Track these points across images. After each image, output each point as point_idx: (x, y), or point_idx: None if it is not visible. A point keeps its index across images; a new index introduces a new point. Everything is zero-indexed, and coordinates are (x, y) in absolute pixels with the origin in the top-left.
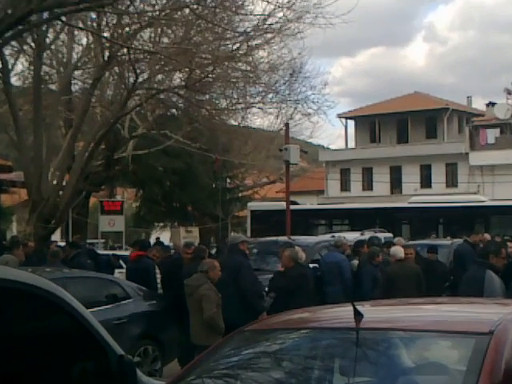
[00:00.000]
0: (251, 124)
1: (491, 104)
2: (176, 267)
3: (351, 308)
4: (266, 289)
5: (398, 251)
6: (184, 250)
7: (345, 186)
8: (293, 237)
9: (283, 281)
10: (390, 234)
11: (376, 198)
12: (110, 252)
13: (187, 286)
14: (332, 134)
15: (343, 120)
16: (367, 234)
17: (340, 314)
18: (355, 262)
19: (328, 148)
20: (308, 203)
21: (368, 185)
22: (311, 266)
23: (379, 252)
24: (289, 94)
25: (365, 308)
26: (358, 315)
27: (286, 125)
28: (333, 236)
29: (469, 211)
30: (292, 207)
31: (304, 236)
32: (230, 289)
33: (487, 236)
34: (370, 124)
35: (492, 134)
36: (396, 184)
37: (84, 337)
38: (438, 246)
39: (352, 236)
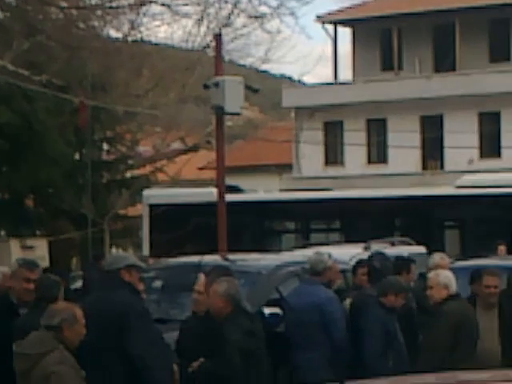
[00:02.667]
0: (149, 37)
1: None
2: (2, 317)
3: None
4: None
5: (452, 279)
6: (21, 274)
7: (333, 155)
8: (231, 256)
9: (208, 341)
10: (420, 248)
11: (395, 177)
12: None
13: (20, 357)
14: (308, 54)
15: (329, 27)
16: (378, 249)
17: None
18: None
19: (300, 82)
20: (262, 190)
21: (379, 153)
22: (267, 312)
23: (404, 286)
24: None
25: None
26: None
27: (217, 38)
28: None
29: None
30: (230, 197)
31: (254, 254)
32: (106, 359)
33: None
34: (382, 35)
35: None
36: (433, 151)
37: None
38: (508, 271)
39: (348, 252)
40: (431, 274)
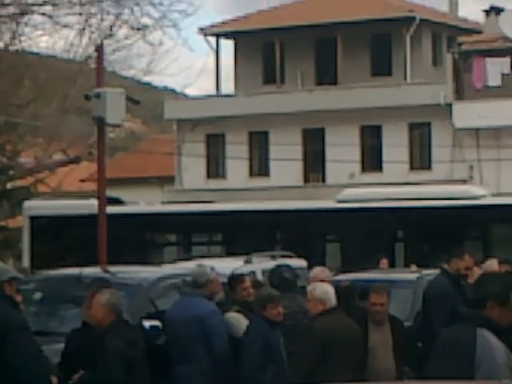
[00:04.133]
0: (31, 47)
1: (494, 11)
2: None
3: None
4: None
5: (329, 293)
6: None
7: (215, 167)
8: (112, 268)
9: (90, 351)
10: (301, 262)
11: (276, 190)
12: None
13: None
14: (191, 66)
15: (211, 40)
16: (259, 262)
17: None
18: (233, 315)
19: (183, 94)
20: (143, 202)
21: (261, 166)
22: (147, 325)
23: (276, 298)
24: None
25: None
26: None
27: (99, 49)
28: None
29: (453, 216)
30: (111, 210)
31: (134, 266)
32: None
33: (493, 263)
34: (264, 48)
35: (496, 69)
36: (315, 164)
37: None
38: (393, 284)
39: (230, 265)
40: (309, 288)
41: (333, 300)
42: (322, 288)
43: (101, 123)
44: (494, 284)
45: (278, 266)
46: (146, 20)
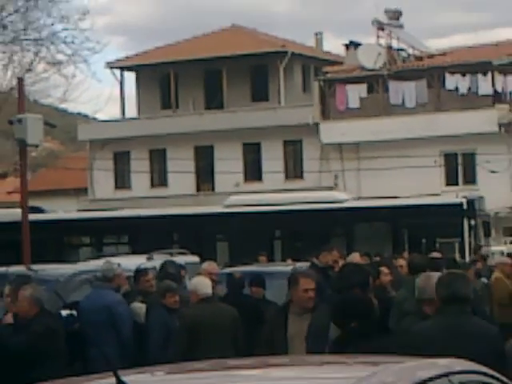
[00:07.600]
0: None
1: (353, 45)
2: None
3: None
4: None
5: (202, 284)
6: None
7: (122, 180)
8: (34, 266)
9: (18, 338)
10: (194, 258)
11: (173, 199)
12: None
13: None
14: (99, 95)
15: (116, 72)
16: (158, 259)
17: None
18: (137, 305)
19: (94, 119)
20: (61, 210)
21: (160, 178)
22: (64, 313)
23: (174, 288)
24: (24, 29)
25: (139, 379)
26: None
27: (20, 81)
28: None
29: (321, 217)
30: (32, 217)
31: (53, 264)
32: None
33: (356, 256)
34: (161, 78)
35: (355, 93)
36: (205, 175)
37: None
38: (268, 276)
39: (134, 262)
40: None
41: (206, 290)
42: (196, 280)
43: (22, 144)
44: (357, 274)
45: (165, 263)
46: (60, 56)
